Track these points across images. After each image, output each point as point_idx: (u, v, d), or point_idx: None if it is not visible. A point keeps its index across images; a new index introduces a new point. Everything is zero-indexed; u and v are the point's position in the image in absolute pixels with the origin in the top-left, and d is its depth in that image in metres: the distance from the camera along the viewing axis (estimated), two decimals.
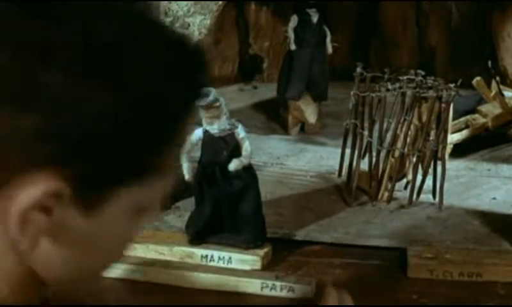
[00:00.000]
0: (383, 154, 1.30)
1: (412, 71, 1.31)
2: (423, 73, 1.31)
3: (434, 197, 1.31)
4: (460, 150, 1.47)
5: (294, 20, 1.58)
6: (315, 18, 1.58)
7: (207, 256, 1.14)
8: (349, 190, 1.32)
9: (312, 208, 1.31)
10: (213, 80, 1.87)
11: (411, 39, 1.90)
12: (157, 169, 0.50)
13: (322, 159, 1.50)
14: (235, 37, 1.92)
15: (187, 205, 1.29)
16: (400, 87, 1.28)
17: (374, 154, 1.31)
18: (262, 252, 1.14)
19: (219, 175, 1.13)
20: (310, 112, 1.62)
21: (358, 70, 1.33)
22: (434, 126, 1.29)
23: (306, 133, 1.63)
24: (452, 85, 1.28)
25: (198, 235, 1.15)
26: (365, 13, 1.92)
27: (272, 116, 1.69)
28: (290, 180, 1.41)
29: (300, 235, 1.22)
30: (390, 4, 1.88)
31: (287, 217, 1.27)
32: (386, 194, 1.31)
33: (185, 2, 1.22)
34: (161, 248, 1.15)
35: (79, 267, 0.53)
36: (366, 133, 1.31)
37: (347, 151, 1.36)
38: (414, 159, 1.30)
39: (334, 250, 1.20)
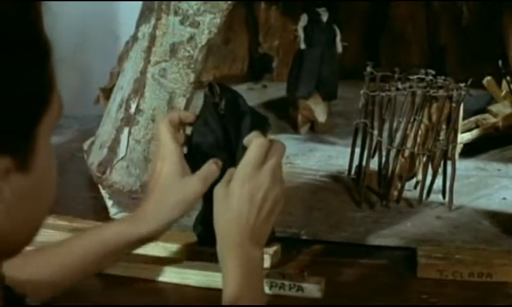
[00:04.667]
0: (392, 153, 1.30)
1: (422, 71, 1.31)
2: (433, 72, 1.30)
3: (444, 197, 1.31)
4: (470, 150, 1.47)
5: (303, 19, 1.58)
6: (324, 18, 1.58)
7: (215, 254, 1.13)
8: (359, 190, 1.32)
9: (321, 207, 1.31)
10: (223, 79, 1.88)
11: (421, 39, 1.89)
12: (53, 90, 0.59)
13: (331, 158, 1.50)
14: (245, 36, 1.92)
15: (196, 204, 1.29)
16: (410, 87, 1.28)
17: (384, 153, 1.31)
18: (271, 251, 1.14)
19: None
20: (319, 111, 1.61)
21: (368, 69, 1.32)
22: (444, 125, 1.28)
23: (315, 132, 1.62)
24: (462, 84, 1.28)
25: (207, 235, 1.14)
26: (375, 12, 1.92)
27: (282, 115, 1.69)
28: (299, 179, 1.41)
29: (309, 234, 1.22)
30: (401, 3, 1.87)
31: (296, 216, 1.27)
32: (396, 193, 1.31)
33: (195, 1, 1.22)
34: (169, 246, 1.15)
35: (27, 222, 0.59)
36: (376, 132, 1.31)
37: (357, 150, 1.36)
38: (424, 159, 1.30)
39: (343, 249, 1.20)
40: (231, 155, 1.08)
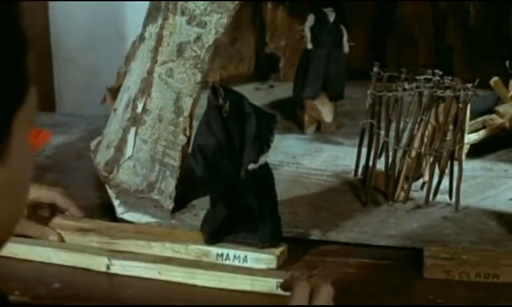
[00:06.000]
0: (399, 154, 1.30)
1: (429, 71, 1.31)
2: (440, 72, 1.30)
3: (450, 197, 1.31)
4: (477, 150, 1.46)
5: (310, 19, 1.57)
6: (331, 18, 1.58)
7: (222, 254, 1.14)
8: (365, 190, 1.32)
9: (328, 207, 1.31)
10: (229, 78, 1.88)
11: (428, 39, 1.89)
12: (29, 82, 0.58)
13: (338, 159, 1.50)
14: (252, 36, 1.92)
15: (203, 204, 1.29)
16: (417, 87, 1.28)
17: (391, 154, 1.31)
18: (277, 251, 1.14)
19: None
20: (326, 111, 1.61)
21: (375, 69, 1.32)
22: (451, 126, 1.28)
23: (322, 132, 1.62)
24: (469, 85, 1.27)
25: (214, 234, 1.15)
26: (382, 12, 1.91)
27: (288, 115, 1.69)
28: (306, 179, 1.41)
29: (315, 235, 1.22)
30: (407, 3, 1.87)
31: (303, 217, 1.27)
32: (403, 194, 1.31)
33: (202, 1, 1.22)
34: (177, 246, 1.15)
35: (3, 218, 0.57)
36: (382, 133, 1.30)
37: (364, 150, 1.36)
38: (431, 159, 1.29)
39: (349, 250, 1.20)
40: (233, 159, 1.08)
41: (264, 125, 1.10)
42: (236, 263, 1.13)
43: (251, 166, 1.09)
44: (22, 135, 0.57)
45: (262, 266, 1.12)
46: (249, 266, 1.12)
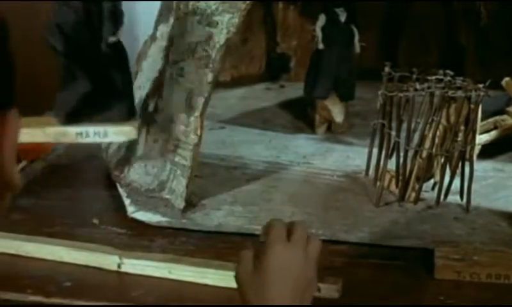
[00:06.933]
0: (410, 154, 1.29)
1: (441, 72, 1.31)
2: (452, 73, 1.30)
3: (461, 198, 1.31)
4: (488, 151, 1.46)
5: (322, 19, 1.57)
6: (343, 18, 1.57)
7: (81, 133, 1.14)
8: (376, 191, 1.32)
9: (338, 207, 1.31)
10: (240, 78, 1.88)
11: (439, 39, 1.88)
12: None
13: (349, 159, 1.50)
14: (263, 36, 1.92)
15: (214, 203, 1.30)
16: (428, 88, 1.28)
17: (402, 154, 1.30)
18: (136, 123, 1.15)
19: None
20: (337, 111, 1.61)
21: (387, 69, 1.32)
22: (462, 126, 1.28)
23: (333, 132, 1.62)
24: (481, 85, 1.27)
25: (69, 115, 1.16)
26: (394, 12, 1.91)
27: (299, 115, 1.69)
28: (317, 179, 1.41)
29: (326, 235, 1.22)
30: (419, 3, 1.87)
31: (313, 217, 1.27)
32: (414, 194, 1.30)
33: (213, 1, 1.22)
34: (34, 131, 1.13)
35: None
36: (393, 133, 1.30)
37: (375, 151, 1.36)
38: (442, 160, 1.29)
39: (360, 250, 1.20)
40: (93, 34, 1.14)
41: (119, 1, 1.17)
42: (97, 139, 1.14)
43: (111, 39, 1.15)
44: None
45: (123, 138, 1.14)
46: (110, 140, 1.15)
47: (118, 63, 1.17)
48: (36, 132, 1.15)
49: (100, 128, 1.14)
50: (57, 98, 1.18)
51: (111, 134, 1.14)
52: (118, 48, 1.17)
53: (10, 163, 0.62)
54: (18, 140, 0.63)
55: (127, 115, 1.17)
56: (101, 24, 1.15)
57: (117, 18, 1.16)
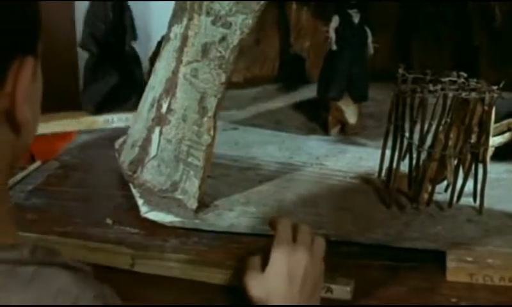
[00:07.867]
0: (423, 156, 1.29)
1: (454, 73, 1.30)
2: (465, 74, 1.30)
3: (474, 200, 1.30)
4: (502, 153, 1.45)
5: (335, 21, 1.57)
6: (356, 19, 1.57)
7: (108, 120, 1.60)
8: (389, 192, 1.32)
9: (351, 209, 1.30)
10: (253, 79, 1.88)
11: (453, 41, 1.88)
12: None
13: (361, 160, 1.49)
14: (276, 37, 1.92)
15: (226, 204, 1.30)
16: (442, 89, 1.27)
17: (415, 156, 1.30)
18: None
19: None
20: (350, 112, 1.61)
21: (400, 70, 1.32)
22: (476, 128, 1.27)
23: (346, 133, 1.62)
24: (494, 87, 1.27)
25: (98, 107, 1.61)
26: (407, 13, 1.91)
27: (312, 116, 1.69)
28: (330, 180, 1.41)
29: (338, 236, 1.22)
30: (433, 4, 1.86)
31: (326, 218, 1.27)
32: (426, 196, 1.30)
33: (227, 2, 1.23)
34: (68, 121, 1.59)
35: (35, 124, 0.70)
36: (407, 134, 1.30)
37: (387, 152, 1.35)
38: (455, 162, 1.29)
39: (372, 251, 1.19)
40: (117, 38, 1.61)
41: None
42: (120, 124, 1.57)
43: (132, 42, 1.64)
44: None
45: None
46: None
47: (136, 61, 1.63)
48: (71, 123, 1.55)
49: (122, 115, 1.57)
50: (86, 93, 1.60)
51: (131, 117, 1.47)
52: (134, 51, 1.62)
53: (22, 105, 0.66)
54: (28, 87, 0.67)
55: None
56: (124, 32, 1.60)
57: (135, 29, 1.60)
